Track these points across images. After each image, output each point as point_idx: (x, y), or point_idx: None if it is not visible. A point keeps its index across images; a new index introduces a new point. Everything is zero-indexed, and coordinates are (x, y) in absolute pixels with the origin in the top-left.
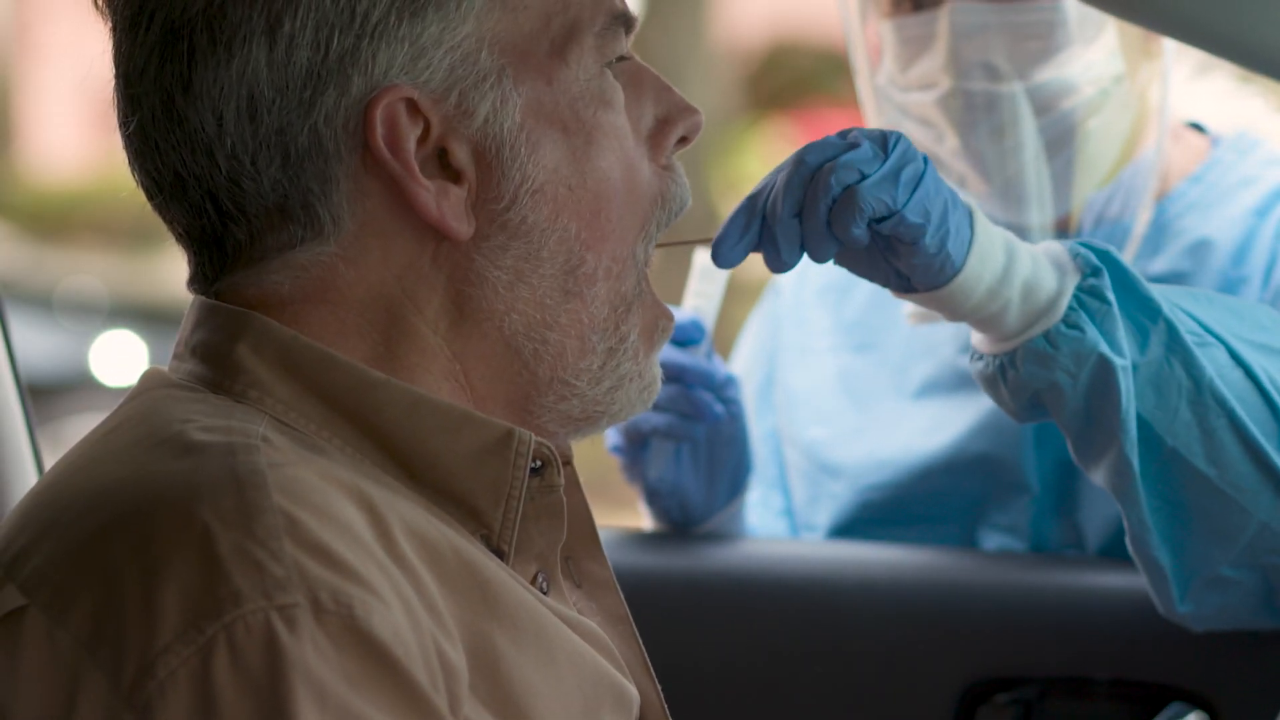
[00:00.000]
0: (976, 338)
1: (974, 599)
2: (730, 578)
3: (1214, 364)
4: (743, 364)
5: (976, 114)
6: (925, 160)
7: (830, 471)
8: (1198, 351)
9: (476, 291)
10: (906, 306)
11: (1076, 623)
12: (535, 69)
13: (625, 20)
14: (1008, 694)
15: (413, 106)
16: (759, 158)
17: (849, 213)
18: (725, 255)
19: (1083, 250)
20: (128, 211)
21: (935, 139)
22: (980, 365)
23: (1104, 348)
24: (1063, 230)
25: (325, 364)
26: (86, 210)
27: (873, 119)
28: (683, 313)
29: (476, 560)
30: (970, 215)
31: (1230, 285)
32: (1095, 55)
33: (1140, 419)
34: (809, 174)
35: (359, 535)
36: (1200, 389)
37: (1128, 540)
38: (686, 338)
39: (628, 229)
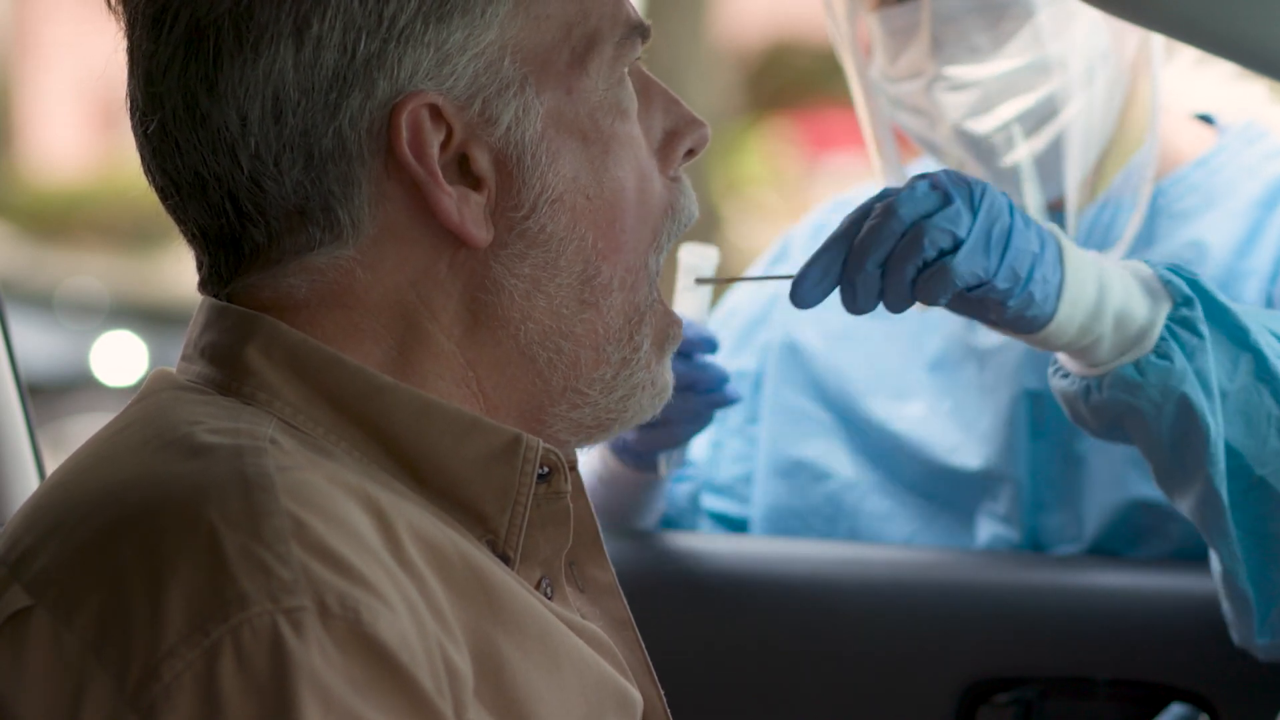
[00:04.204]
0: (1064, 356)
1: (974, 599)
2: (730, 578)
3: None
4: (732, 300)
5: (967, 97)
6: (1009, 207)
7: (851, 421)
8: None
9: (492, 299)
10: None
11: (1076, 623)
12: (556, 78)
13: (642, 31)
14: (1008, 694)
15: (436, 112)
16: (759, 158)
17: (941, 284)
18: (804, 296)
19: (1174, 278)
20: (128, 211)
21: (929, 126)
22: (1064, 383)
23: (1189, 385)
24: (1057, 210)
25: (334, 367)
26: (86, 210)
27: (863, 115)
28: (694, 326)
29: (483, 566)
30: (1060, 254)
31: (1235, 278)
32: (1078, 31)
33: (1228, 447)
34: (901, 230)
35: (366, 540)
36: None
37: (1216, 572)
38: (698, 350)
39: (641, 239)
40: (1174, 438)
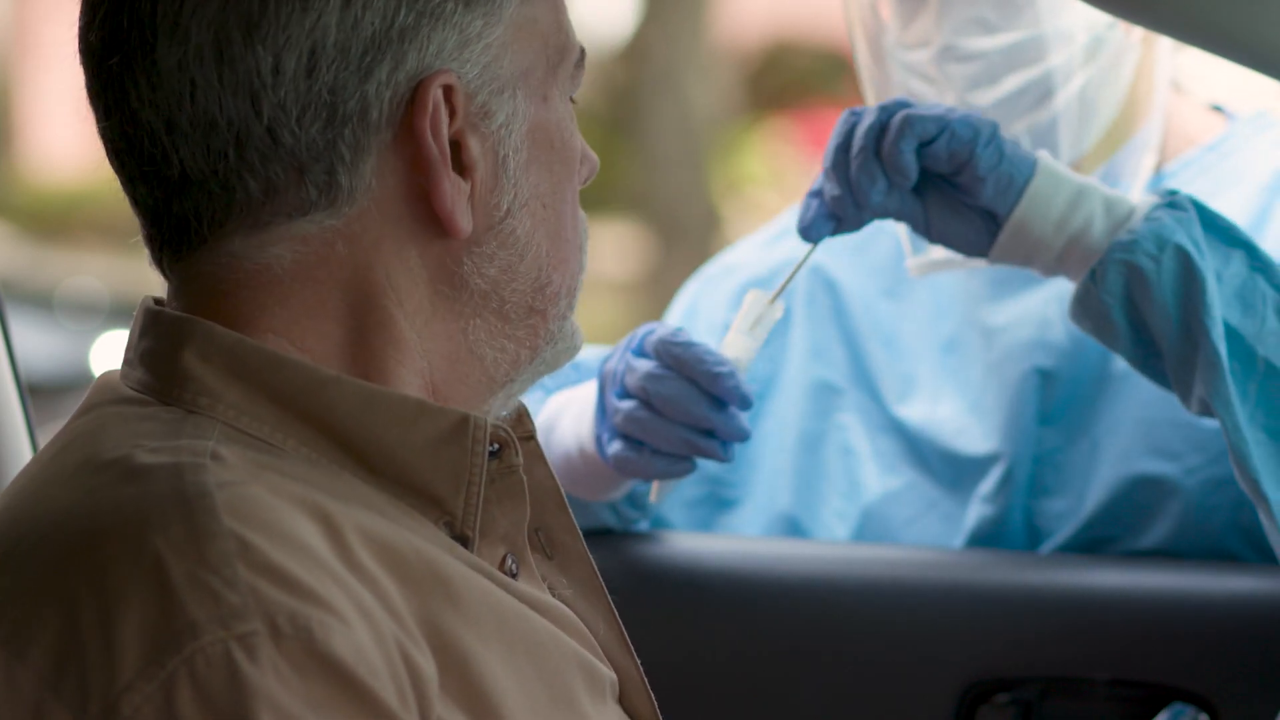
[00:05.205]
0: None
1: (974, 599)
2: (730, 578)
3: None
4: (731, 258)
5: (972, 68)
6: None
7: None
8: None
9: (453, 294)
10: (910, 259)
11: (1076, 623)
12: (536, 85)
13: (584, 54)
14: (1008, 694)
15: (448, 94)
16: (759, 158)
17: (900, 133)
18: (808, 226)
19: (1160, 190)
20: (128, 211)
21: (938, 94)
22: (1078, 299)
23: (1181, 237)
24: None
25: (274, 365)
26: (86, 210)
27: (867, 84)
28: (735, 377)
29: (438, 559)
30: (1034, 155)
31: None
32: (1083, 6)
33: (1230, 330)
34: (856, 119)
35: (314, 551)
36: None
37: (1231, 463)
38: (734, 402)
39: (577, 246)
40: (1176, 292)
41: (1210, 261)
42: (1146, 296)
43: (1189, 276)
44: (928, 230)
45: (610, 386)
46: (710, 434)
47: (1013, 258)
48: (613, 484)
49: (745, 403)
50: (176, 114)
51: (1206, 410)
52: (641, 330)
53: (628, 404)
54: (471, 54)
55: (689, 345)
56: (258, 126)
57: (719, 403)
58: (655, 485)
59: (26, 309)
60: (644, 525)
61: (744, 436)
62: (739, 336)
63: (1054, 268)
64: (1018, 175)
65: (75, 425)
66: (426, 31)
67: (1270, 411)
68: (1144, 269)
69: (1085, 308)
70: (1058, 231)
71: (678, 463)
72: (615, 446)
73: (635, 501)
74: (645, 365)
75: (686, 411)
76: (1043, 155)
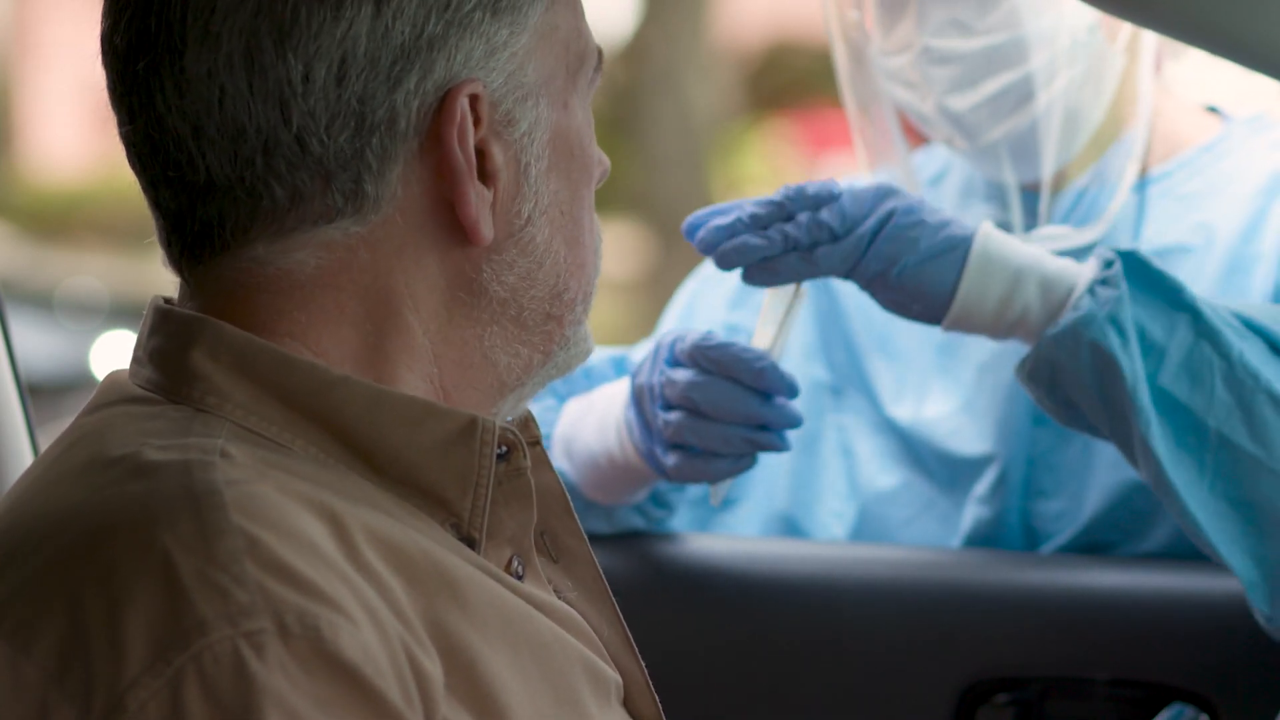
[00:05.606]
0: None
1: (974, 599)
2: (730, 578)
3: (1254, 352)
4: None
5: (950, 71)
6: (912, 207)
7: (861, 394)
8: (1226, 331)
9: (471, 300)
10: None
11: (1076, 623)
12: (557, 92)
13: (602, 59)
14: (1008, 694)
15: (474, 103)
16: (759, 158)
17: (805, 264)
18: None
19: (1106, 251)
20: (128, 211)
21: (919, 99)
22: (1017, 379)
23: (1098, 329)
24: (1034, 190)
25: (283, 366)
26: (86, 210)
27: (852, 105)
28: (778, 369)
29: (445, 560)
30: (968, 240)
31: (1241, 263)
32: (1064, 8)
33: (1178, 405)
34: (791, 209)
35: (322, 550)
36: (1232, 365)
37: (1190, 538)
38: (779, 393)
39: (593, 254)
40: (1100, 388)
41: (1152, 332)
42: (1074, 388)
43: (1107, 370)
44: (878, 302)
45: (650, 401)
46: (762, 427)
47: (963, 331)
48: (639, 485)
49: (792, 391)
50: (204, 120)
51: (1153, 488)
52: (668, 338)
53: (675, 415)
54: (497, 63)
55: (724, 346)
56: (286, 134)
57: (764, 395)
58: (713, 489)
59: (26, 309)
60: (672, 524)
61: (798, 422)
62: (770, 328)
63: (1005, 339)
64: (944, 283)
65: (83, 423)
66: (455, 40)
67: (1229, 481)
68: (1065, 365)
69: (1025, 388)
70: (997, 321)
71: (739, 460)
72: (673, 459)
73: (660, 500)
74: (684, 375)
75: (737, 411)
76: (977, 240)
